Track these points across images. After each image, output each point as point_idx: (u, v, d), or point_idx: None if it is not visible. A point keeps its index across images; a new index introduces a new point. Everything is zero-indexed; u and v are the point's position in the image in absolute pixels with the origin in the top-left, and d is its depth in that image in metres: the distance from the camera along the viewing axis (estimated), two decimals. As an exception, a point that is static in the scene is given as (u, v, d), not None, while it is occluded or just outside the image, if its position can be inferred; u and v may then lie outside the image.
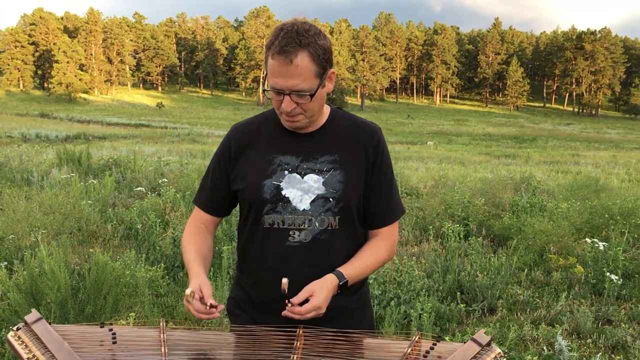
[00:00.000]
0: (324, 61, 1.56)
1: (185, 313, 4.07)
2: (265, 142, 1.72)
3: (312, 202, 1.64)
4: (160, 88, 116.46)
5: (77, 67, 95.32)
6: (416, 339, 1.53)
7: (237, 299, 1.82)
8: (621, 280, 5.05)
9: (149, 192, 8.68)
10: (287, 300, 1.52)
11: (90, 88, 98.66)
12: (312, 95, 1.56)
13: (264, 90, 1.62)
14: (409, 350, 1.47)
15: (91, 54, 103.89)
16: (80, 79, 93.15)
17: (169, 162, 13.31)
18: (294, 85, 1.53)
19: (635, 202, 7.15)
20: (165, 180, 9.19)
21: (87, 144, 20.18)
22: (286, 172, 1.67)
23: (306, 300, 1.53)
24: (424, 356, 1.46)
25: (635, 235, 6.43)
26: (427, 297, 4.35)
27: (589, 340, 4.02)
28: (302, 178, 1.66)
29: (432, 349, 1.49)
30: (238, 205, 1.81)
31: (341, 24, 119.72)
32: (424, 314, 3.84)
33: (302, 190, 1.65)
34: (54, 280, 3.40)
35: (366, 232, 1.79)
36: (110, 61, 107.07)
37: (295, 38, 1.50)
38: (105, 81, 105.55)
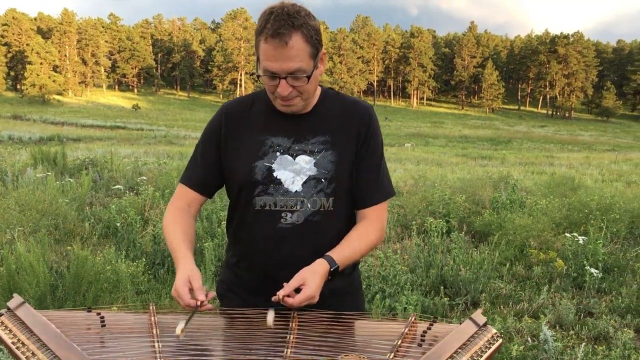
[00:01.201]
0: (316, 42, 1.53)
1: (166, 308, 4.00)
2: (256, 123, 1.68)
3: (304, 183, 1.61)
4: (136, 90, 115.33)
5: (51, 69, 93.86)
6: (412, 319, 1.50)
7: (227, 282, 1.78)
8: (601, 273, 5.11)
9: (127, 191, 8.56)
10: (277, 294, 1.48)
11: (64, 90, 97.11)
12: (308, 77, 1.53)
13: (257, 76, 1.58)
14: (406, 331, 1.45)
15: (65, 55, 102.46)
16: (54, 81, 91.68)
17: (147, 162, 13.16)
18: (290, 68, 1.50)
19: (612, 199, 7.26)
20: (144, 178, 9.07)
21: (61, 145, 19.83)
22: (278, 153, 1.63)
23: (298, 289, 1.50)
24: (422, 336, 1.43)
25: (614, 230, 6.52)
26: (411, 292, 4.34)
27: (571, 332, 4.06)
28: (294, 159, 1.63)
29: (429, 329, 1.47)
30: (225, 188, 1.77)
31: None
32: (409, 307, 3.83)
33: (293, 171, 1.62)
34: (32, 275, 3.31)
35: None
36: (84, 62, 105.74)
37: (288, 20, 1.46)
38: (79, 83, 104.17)
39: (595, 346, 3.74)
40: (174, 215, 1.72)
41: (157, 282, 4.81)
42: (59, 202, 6.44)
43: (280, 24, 1.46)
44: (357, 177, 1.69)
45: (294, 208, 1.61)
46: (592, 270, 4.96)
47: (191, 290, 1.46)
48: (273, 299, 1.48)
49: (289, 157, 1.63)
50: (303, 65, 1.51)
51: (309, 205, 1.61)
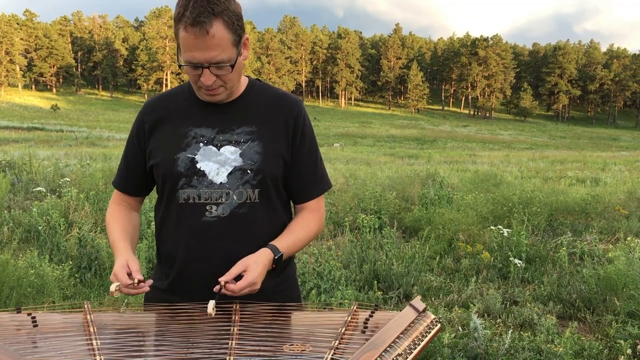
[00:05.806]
0: (238, 28, 1.49)
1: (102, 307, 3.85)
2: (179, 114, 1.64)
3: (230, 174, 1.57)
4: (54, 89, 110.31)
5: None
6: (354, 308, 1.52)
7: (157, 286, 1.71)
8: (524, 264, 5.35)
9: (49, 194, 8.17)
10: (219, 281, 1.45)
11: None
12: (232, 66, 1.50)
13: (179, 66, 1.52)
14: (348, 319, 1.46)
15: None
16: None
17: (69, 164, 12.62)
18: (213, 57, 1.45)
19: (532, 193, 7.62)
20: (67, 179, 8.69)
21: (-26, 147, 18.69)
22: (201, 144, 1.59)
23: (240, 277, 1.48)
24: (364, 323, 1.45)
25: (535, 223, 6.84)
26: (345, 287, 4.39)
27: (499, 320, 4.23)
28: (219, 150, 1.58)
29: (371, 316, 1.49)
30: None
31: (246, 26, 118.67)
32: (345, 301, 3.87)
33: (218, 162, 1.57)
34: (-53, 281, 3.10)
35: (287, 205, 1.74)
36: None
37: (207, 7, 1.41)
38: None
39: (521, 332, 3.90)
40: (111, 214, 1.72)
41: (84, 287, 4.62)
42: (-27, 206, 6.08)
43: (200, 11, 1.40)
44: (295, 172, 1.67)
45: (219, 200, 1.57)
46: (516, 261, 5.18)
47: (129, 274, 1.46)
48: (215, 288, 1.44)
49: (213, 148, 1.59)
50: (226, 54, 1.47)
51: (235, 197, 1.57)
